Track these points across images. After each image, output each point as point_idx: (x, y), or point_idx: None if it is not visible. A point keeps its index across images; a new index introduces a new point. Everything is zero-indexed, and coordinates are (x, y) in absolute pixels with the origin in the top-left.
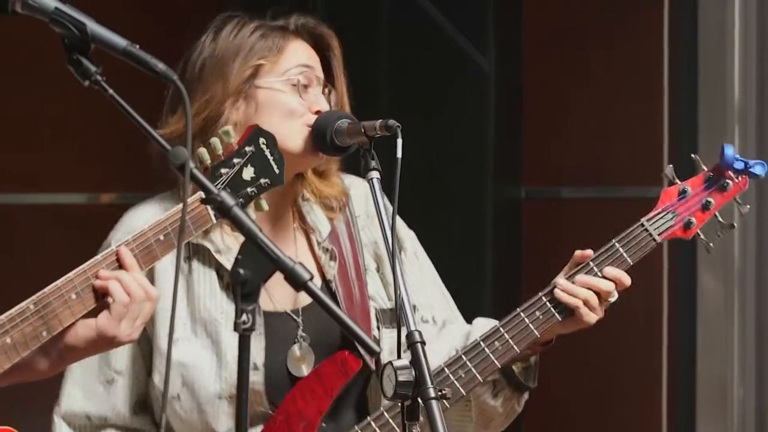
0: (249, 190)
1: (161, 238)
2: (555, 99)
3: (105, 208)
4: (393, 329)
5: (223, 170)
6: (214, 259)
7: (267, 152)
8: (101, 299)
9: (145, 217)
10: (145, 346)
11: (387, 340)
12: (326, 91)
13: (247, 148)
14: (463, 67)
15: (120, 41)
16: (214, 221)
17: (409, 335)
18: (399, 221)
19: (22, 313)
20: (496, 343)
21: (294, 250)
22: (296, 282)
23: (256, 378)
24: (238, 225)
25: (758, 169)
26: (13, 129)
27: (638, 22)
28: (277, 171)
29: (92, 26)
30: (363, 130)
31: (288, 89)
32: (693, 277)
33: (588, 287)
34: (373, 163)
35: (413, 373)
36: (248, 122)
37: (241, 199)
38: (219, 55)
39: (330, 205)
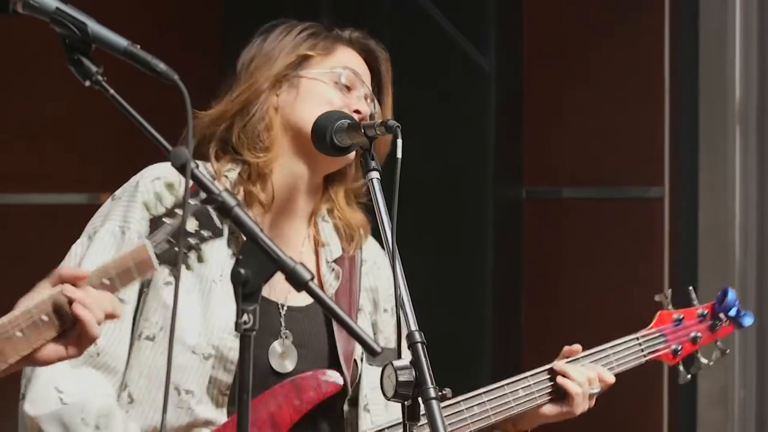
0: (192, 240)
1: (106, 282)
2: (555, 99)
3: None
4: (376, 367)
5: (167, 221)
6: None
7: (210, 206)
8: (65, 322)
9: (164, 171)
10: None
11: (370, 376)
12: (368, 100)
13: (192, 201)
14: (464, 68)
15: (121, 41)
16: (157, 268)
17: (410, 335)
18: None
19: None
20: (475, 408)
21: (300, 252)
22: (297, 282)
23: (234, 344)
24: (239, 225)
25: (746, 320)
26: (14, 129)
27: (639, 22)
28: (218, 225)
29: (93, 26)
30: (363, 131)
31: (330, 83)
32: (694, 279)
33: (581, 374)
34: (373, 164)
35: (414, 373)
36: (287, 107)
37: (184, 250)
38: (267, 48)
39: (351, 235)
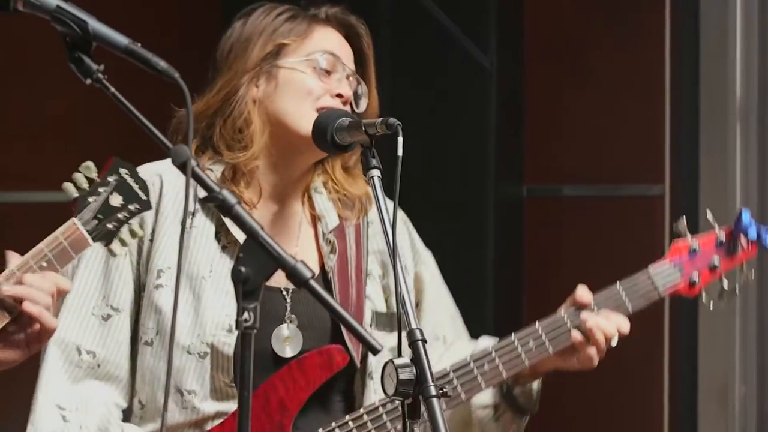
0: (120, 215)
1: (44, 264)
2: (556, 98)
3: None
4: (387, 333)
5: (90, 199)
6: (217, 217)
7: (130, 180)
8: (13, 312)
9: (157, 167)
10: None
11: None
12: (351, 79)
13: (110, 179)
14: (465, 66)
15: (121, 39)
16: (91, 244)
17: (410, 333)
18: (418, 240)
19: None
20: (485, 366)
21: (297, 237)
22: (298, 280)
23: (228, 340)
24: (239, 223)
25: None
26: (14, 127)
27: (640, 21)
28: (143, 197)
29: (94, 24)
30: (364, 128)
31: (309, 71)
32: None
33: (600, 329)
34: (374, 162)
35: (414, 370)
36: (267, 100)
37: (114, 224)
38: (246, 35)
39: (351, 203)
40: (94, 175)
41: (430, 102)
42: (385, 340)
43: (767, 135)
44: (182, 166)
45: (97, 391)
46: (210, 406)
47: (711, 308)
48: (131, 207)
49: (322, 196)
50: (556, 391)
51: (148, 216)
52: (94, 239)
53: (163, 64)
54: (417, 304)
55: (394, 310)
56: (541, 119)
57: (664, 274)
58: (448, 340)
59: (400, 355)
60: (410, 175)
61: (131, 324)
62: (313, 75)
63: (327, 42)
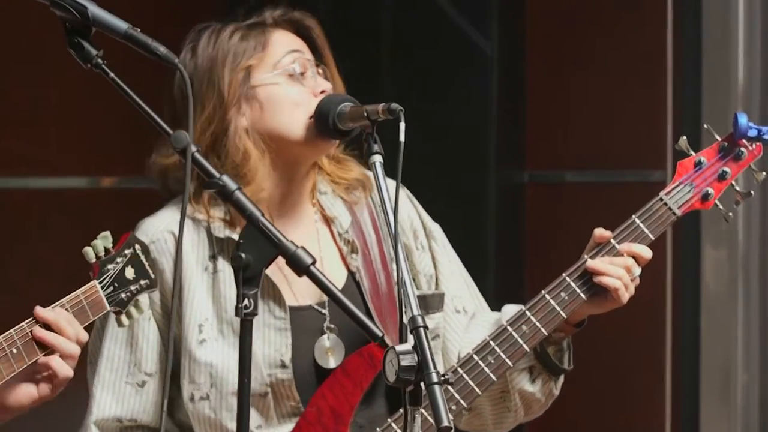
0: (132, 287)
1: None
2: (558, 84)
3: (106, 191)
4: (424, 314)
5: (109, 266)
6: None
7: (142, 257)
8: (40, 352)
9: (166, 222)
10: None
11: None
12: (320, 71)
13: (126, 251)
14: (467, 52)
15: (121, 24)
16: (107, 308)
17: (412, 319)
18: (424, 213)
19: None
20: (523, 327)
21: (317, 244)
22: (298, 266)
23: (285, 375)
24: (239, 208)
25: None
26: (15, 113)
27: (642, 7)
28: (152, 276)
29: (93, 9)
30: (365, 114)
31: (284, 80)
32: (697, 265)
33: (618, 266)
34: (376, 147)
35: (416, 357)
36: (258, 124)
37: (127, 294)
38: (204, 68)
39: (353, 189)
40: (109, 244)
41: (432, 88)
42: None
43: None
44: (182, 152)
45: None
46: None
47: (727, 220)
48: (141, 283)
49: (328, 195)
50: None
51: (168, 273)
52: (110, 304)
53: (162, 49)
54: (436, 284)
55: (424, 288)
56: (542, 105)
57: (677, 195)
58: (469, 312)
59: (401, 342)
60: (412, 161)
61: (162, 384)
62: (290, 83)
63: (285, 44)
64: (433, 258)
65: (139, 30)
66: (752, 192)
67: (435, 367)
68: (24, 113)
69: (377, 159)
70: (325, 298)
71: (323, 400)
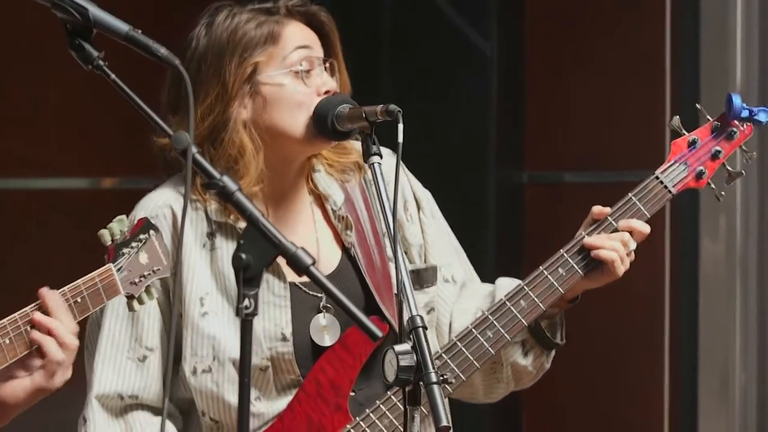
0: (145, 273)
1: (78, 300)
2: (557, 84)
3: (107, 192)
4: (417, 290)
5: (124, 250)
6: (237, 233)
7: (156, 243)
8: (32, 346)
9: (165, 197)
10: (170, 321)
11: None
12: (327, 66)
13: (141, 236)
14: (466, 52)
15: (122, 26)
16: (121, 292)
17: (411, 320)
18: (414, 181)
19: None
20: (521, 301)
21: (312, 224)
22: (298, 266)
23: (286, 349)
24: (240, 209)
25: (762, 116)
26: (16, 114)
27: (640, 8)
28: (165, 262)
29: (94, 11)
30: (364, 115)
31: (290, 80)
32: (695, 263)
33: (614, 239)
34: (374, 148)
35: (414, 357)
36: (259, 119)
37: (140, 279)
38: (214, 52)
39: (348, 170)
40: (125, 228)
41: (431, 88)
42: (418, 299)
43: None
44: (183, 153)
45: (143, 418)
46: (275, 406)
47: (718, 198)
48: (154, 268)
49: (321, 173)
50: (557, 379)
51: (169, 248)
52: (123, 289)
53: (163, 50)
54: (424, 257)
55: (417, 263)
56: (542, 106)
57: (672, 174)
58: (458, 281)
59: (400, 342)
60: (411, 162)
61: (164, 361)
62: (296, 82)
63: (296, 39)
64: (421, 228)
65: (140, 31)
66: (743, 171)
67: (434, 367)
68: (24, 114)
69: (376, 160)
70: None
71: (322, 373)
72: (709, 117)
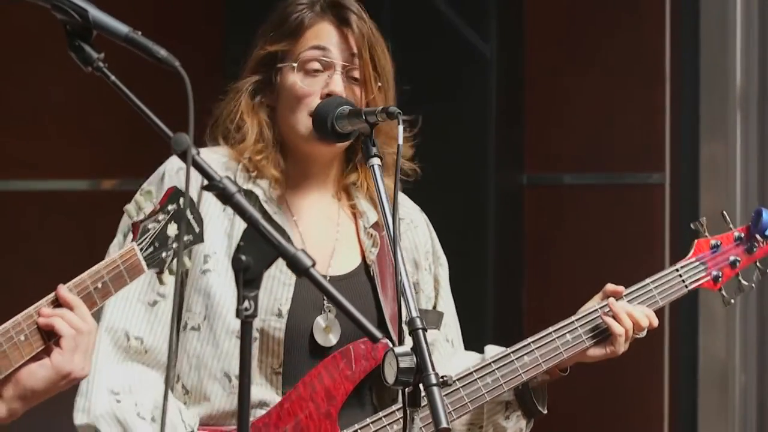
0: (174, 245)
1: (99, 286)
2: (557, 86)
3: (106, 194)
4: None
5: (149, 225)
6: (259, 206)
7: (187, 211)
8: (48, 340)
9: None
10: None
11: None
12: (343, 71)
13: (170, 207)
14: (465, 54)
15: (122, 27)
16: (146, 270)
17: (411, 321)
18: (437, 241)
19: None
20: (525, 357)
21: (336, 226)
22: (298, 269)
23: (278, 325)
24: (239, 211)
25: None
26: (15, 115)
27: (640, 9)
28: (197, 229)
29: (94, 12)
30: (364, 117)
31: (297, 76)
32: None
33: (629, 316)
34: (374, 150)
35: (414, 359)
36: (276, 105)
37: (168, 253)
38: (265, 27)
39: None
40: (155, 200)
41: (430, 89)
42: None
43: (767, 123)
44: (183, 155)
45: (146, 375)
46: (258, 392)
47: (725, 305)
48: (185, 238)
49: (360, 195)
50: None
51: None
52: (149, 266)
53: (163, 52)
54: (434, 306)
55: (423, 306)
56: (541, 108)
57: (691, 271)
58: (455, 346)
59: (400, 343)
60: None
61: (179, 309)
62: (303, 78)
63: (318, 38)
64: (437, 282)
65: (140, 33)
66: (753, 286)
67: (434, 369)
68: (24, 115)
69: (375, 162)
70: (330, 272)
71: (319, 379)
72: (732, 226)
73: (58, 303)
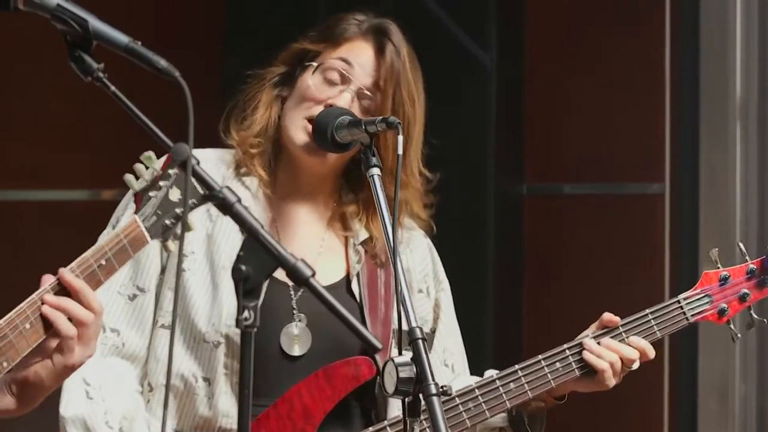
0: (178, 210)
1: (103, 263)
2: (556, 95)
3: (106, 204)
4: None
5: (151, 194)
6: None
7: (188, 176)
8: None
9: (204, 153)
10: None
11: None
12: (354, 93)
13: (171, 171)
14: (465, 63)
15: (122, 38)
16: (149, 241)
17: (411, 331)
18: (440, 265)
19: None
20: (511, 384)
21: (321, 240)
22: (298, 278)
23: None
24: (239, 221)
25: None
26: (16, 125)
27: (640, 18)
28: (201, 191)
29: (94, 23)
30: (363, 127)
31: (318, 80)
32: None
33: (615, 352)
34: (374, 160)
35: (414, 369)
36: (287, 100)
37: (172, 220)
38: (327, 21)
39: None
40: (156, 165)
41: (430, 99)
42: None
43: (767, 131)
44: (182, 165)
45: (121, 372)
46: (224, 402)
47: (734, 340)
48: (189, 202)
49: (354, 215)
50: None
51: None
52: (152, 236)
53: (163, 62)
54: (433, 330)
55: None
56: (541, 117)
57: (695, 303)
58: (456, 371)
59: (399, 353)
60: None
61: (156, 310)
62: (321, 83)
63: (348, 53)
64: (437, 306)
65: (140, 43)
66: (766, 320)
67: (434, 379)
68: (25, 125)
69: (375, 172)
70: None
71: (298, 397)
72: (747, 258)
73: (62, 287)
